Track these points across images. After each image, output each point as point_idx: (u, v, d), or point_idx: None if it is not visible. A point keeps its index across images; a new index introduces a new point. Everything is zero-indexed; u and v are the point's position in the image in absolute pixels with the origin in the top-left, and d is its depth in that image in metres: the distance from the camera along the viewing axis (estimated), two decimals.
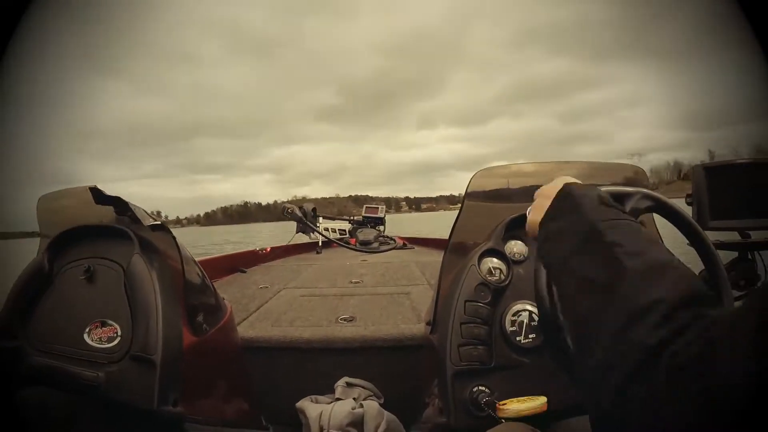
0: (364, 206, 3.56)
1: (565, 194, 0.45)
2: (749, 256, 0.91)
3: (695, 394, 0.25)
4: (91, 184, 0.83)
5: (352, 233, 3.40)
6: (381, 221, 3.51)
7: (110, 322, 0.70)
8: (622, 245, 0.36)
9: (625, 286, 0.33)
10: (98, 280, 0.76)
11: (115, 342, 0.69)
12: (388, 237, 3.36)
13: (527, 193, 0.88)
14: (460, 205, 0.85)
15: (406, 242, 3.30)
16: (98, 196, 0.82)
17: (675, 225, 0.62)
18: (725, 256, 0.91)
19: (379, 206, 3.55)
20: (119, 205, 0.82)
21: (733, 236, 0.91)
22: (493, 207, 0.88)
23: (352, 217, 3.58)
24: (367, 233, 3.30)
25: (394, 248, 3.09)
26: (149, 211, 0.85)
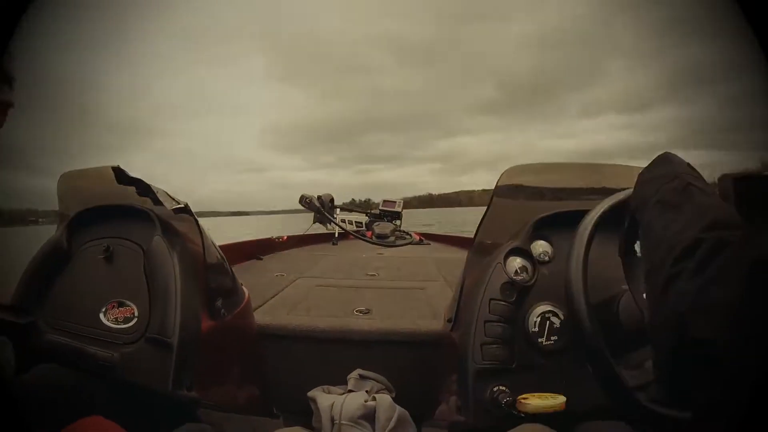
0: (382, 200, 3.54)
1: (662, 157, 0.55)
2: None
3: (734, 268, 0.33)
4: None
5: (368, 226, 3.39)
6: (398, 215, 3.48)
7: (128, 302, 0.70)
8: (696, 185, 0.48)
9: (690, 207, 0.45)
10: (117, 260, 0.76)
11: (132, 323, 0.68)
12: (404, 231, 3.33)
13: (555, 193, 0.85)
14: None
15: (422, 238, 3.28)
16: (121, 176, 0.82)
17: None
18: None
19: (397, 201, 3.53)
20: (141, 186, 0.82)
21: None
22: (521, 205, 0.85)
23: (369, 210, 3.57)
24: (384, 227, 3.28)
25: (410, 243, 3.07)
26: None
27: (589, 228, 0.62)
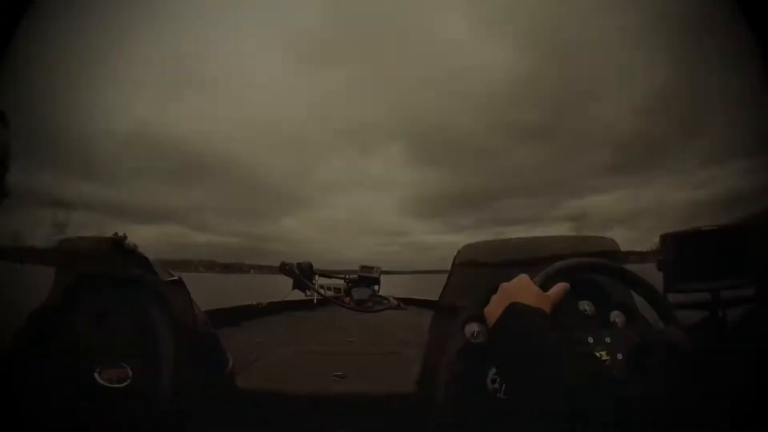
0: (360, 265, 3.60)
1: (511, 312, 0.61)
2: (719, 314, 0.98)
3: None
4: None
5: (347, 292, 3.40)
6: (376, 281, 3.54)
7: (122, 364, 0.74)
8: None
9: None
10: (111, 326, 0.80)
11: (126, 383, 0.72)
12: (382, 297, 3.36)
13: (506, 264, 0.97)
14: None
15: (401, 302, 3.30)
16: (119, 245, 0.89)
17: (636, 291, 0.71)
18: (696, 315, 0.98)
19: (375, 266, 3.59)
20: (138, 257, 0.89)
21: (702, 297, 0.98)
22: (477, 273, 0.95)
23: (347, 276, 3.60)
24: (362, 292, 3.31)
25: (388, 308, 3.09)
26: None
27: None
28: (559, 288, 0.70)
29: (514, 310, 0.63)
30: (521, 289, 0.68)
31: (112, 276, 0.88)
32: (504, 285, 0.70)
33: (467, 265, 0.93)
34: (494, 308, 0.67)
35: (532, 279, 0.72)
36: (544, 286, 0.72)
